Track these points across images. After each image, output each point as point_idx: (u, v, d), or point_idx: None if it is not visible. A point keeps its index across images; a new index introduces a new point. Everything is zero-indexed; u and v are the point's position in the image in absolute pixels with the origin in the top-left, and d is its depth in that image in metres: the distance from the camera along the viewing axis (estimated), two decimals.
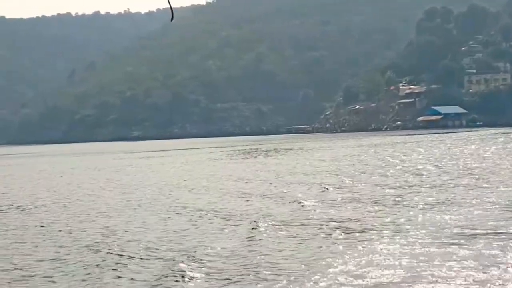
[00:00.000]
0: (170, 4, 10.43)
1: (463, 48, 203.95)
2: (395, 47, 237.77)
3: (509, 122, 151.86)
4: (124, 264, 16.47)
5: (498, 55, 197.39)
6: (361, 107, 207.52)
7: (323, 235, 18.90)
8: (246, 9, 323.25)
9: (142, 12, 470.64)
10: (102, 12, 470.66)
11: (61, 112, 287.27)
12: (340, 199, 27.07)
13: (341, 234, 18.93)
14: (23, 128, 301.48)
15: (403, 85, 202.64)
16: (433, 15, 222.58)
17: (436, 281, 13.46)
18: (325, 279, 14.03)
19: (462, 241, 17.08)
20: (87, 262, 17.01)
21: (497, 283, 13.10)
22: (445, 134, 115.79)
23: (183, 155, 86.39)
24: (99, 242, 19.81)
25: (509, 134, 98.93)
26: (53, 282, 15.32)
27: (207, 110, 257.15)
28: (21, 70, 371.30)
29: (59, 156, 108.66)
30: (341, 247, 17.15)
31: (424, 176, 35.66)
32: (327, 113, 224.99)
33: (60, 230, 22.88)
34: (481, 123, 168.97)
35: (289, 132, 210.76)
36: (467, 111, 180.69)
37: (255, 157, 71.27)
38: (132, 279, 15.06)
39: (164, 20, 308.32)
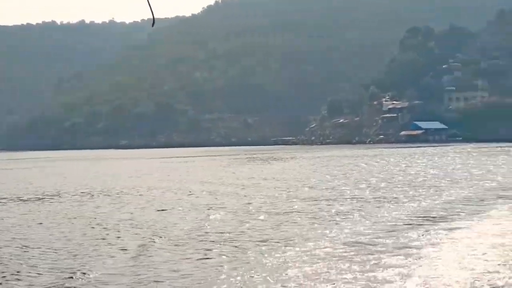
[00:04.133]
0: (151, 10, 10.05)
1: (444, 66, 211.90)
2: (380, 64, 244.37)
3: (487, 138, 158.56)
4: None
5: (477, 73, 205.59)
6: (345, 121, 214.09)
7: None
8: (232, 22, 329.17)
9: (127, 22, 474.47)
10: (87, 21, 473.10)
11: (49, 120, 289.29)
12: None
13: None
14: (9, 135, 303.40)
15: (386, 100, 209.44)
16: (416, 33, 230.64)
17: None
18: None
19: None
20: None
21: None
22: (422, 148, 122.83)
23: (200, 161, 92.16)
24: None
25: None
26: None
27: (193, 121, 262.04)
28: (4, 77, 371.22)
29: (93, 161, 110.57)
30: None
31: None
32: (312, 125, 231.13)
33: None
34: (461, 138, 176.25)
35: (275, 143, 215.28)
36: (447, 127, 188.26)
37: (265, 163, 77.77)
38: None
39: (149, 29, 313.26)
